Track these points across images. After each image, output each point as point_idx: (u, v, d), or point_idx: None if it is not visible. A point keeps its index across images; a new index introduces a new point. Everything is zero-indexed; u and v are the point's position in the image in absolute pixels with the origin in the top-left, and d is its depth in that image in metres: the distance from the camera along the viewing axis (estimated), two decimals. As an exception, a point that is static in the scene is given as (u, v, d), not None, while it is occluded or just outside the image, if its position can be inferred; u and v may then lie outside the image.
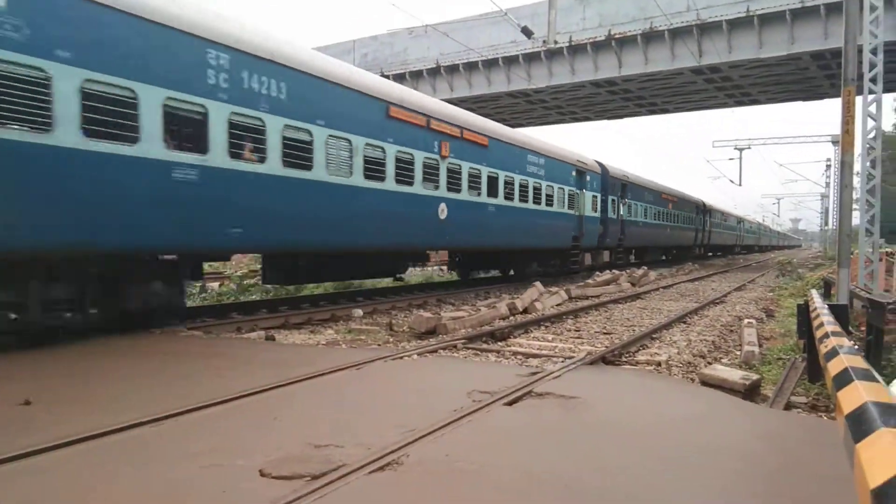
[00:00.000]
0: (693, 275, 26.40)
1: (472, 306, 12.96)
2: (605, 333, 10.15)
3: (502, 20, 23.98)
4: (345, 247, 11.82)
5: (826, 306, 6.05)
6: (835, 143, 44.19)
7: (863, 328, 9.10)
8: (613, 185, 25.47)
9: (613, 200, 25.44)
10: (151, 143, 7.90)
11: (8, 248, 6.70)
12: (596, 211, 23.50)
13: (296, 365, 6.26)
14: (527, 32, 18.83)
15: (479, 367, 7.25)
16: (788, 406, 6.11)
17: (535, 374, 6.19)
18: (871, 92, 12.94)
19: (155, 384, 5.49)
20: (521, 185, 17.74)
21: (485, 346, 8.70)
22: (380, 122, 12.01)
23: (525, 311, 12.48)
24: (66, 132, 6.98)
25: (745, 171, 59.15)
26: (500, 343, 9.04)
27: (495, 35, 30.32)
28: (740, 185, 58.06)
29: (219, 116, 8.79)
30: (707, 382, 6.55)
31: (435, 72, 32.92)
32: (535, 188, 18.62)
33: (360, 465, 3.56)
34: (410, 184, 13.01)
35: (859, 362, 2.75)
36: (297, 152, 10.19)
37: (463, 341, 8.71)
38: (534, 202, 18.61)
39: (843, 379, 2.53)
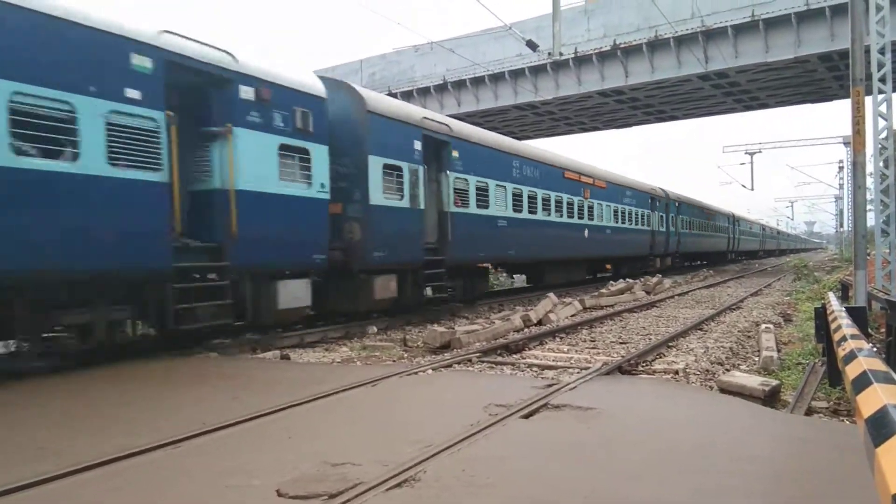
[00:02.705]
0: (708, 281, 26.19)
1: (486, 319, 12.92)
2: (620, 343, 10.07)
3: (507, 34, 24.10)
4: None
5: (844, 309, 5.99)
6: (846, 144, 43.81)
7: (882, 330, 8.98)
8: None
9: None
10: None
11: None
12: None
13: (311, 383, 6.26)
14: (532, 46, 18.90)
15: (495, 380, 7.22)
16: (810, 411, 6.02)
17: (550, 385, 6.15)
18: (880, 92, 12.85)
19: (169, 407, 5.51)
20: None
21: (500, 358, 8.66)
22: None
23: (539, 322, 12.42)
24: None
25: (757, 175, 59.01)
26: (515, 355, 9.00)
27: (501, 49, 30.45)
28: (752, 189, 57.72)
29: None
30: (726, 389, 6.47)
31: (442, 88, 33.09)
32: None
33: (376, 482, 3.54)
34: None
35: (878, 365, 2.72)
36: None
37: (478, 355, 8.68)
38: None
39: (862, 382, 2.50)
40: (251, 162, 9.02)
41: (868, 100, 11.23)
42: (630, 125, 39.98)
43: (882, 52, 12.84)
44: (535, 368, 7.94)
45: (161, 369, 7.43)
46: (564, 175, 20.09)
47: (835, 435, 4.90)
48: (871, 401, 2.16)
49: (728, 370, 7.87)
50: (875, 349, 3.63)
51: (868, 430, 1.95)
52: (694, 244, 37.27)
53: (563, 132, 41.48)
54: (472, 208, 14.78)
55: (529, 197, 17.43)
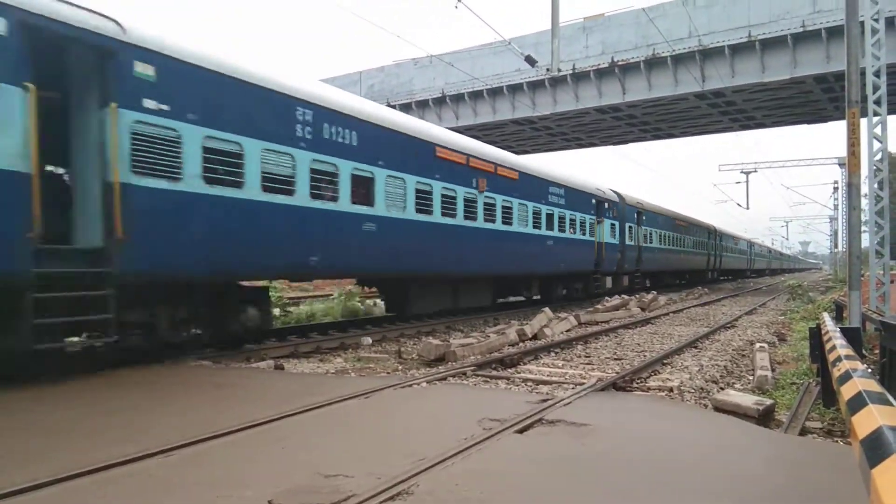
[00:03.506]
0: (703, 299, 26.24)
1: (480, 333, 12.90)
2: (615, 359, 10.07)
3: (506, 49, 24.27)
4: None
5: (838, 329, 6.00)
6: (841, 165, 44.14)
7: (876, 351, 8.99)
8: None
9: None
10: None
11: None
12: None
13: (304, 394, 6.23)
14: (530, 61, 19.03)
15: (489, 394, 7.20)
16: (804, 431, 6.03)
17: (545, 401, 6.14)
18: (875, 114, 12.98)
19: (162, 415, 5.47)
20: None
21: (494, 372, 8.64)
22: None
23: (534, 337, 12.41)
24: None
25: (753, 195, 59.12)
26: (509, 370, 8.98)
27: (499, 64, 30.66)
28: (748, 208, 58.01)
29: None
30: (720, 408, 6.47)
31: (440, 101, 33.27)
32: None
33: (369, 495, 3.52)
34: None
35: (873, 386, 2.73)
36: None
37: (472, 368, 8.66)
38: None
39: (858, 403, 2.50)
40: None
41: (863, 122, 11.34)
42: (627, 142, 40.21)
43: (877, 74, 12.99)
44: (529, 383, 7.93)
45: (153, 378, 7.39)
46: (437, 153, 13.97)
47: (829, 455, 4.90)
48: (867, 422, 2.17)
49: (723, 388, 7.87)
50: (869, 370, 3.64)
51: (864, 451, 1.95)
52: (662, 261, 31.80)
53: (560, 147, 41.70)
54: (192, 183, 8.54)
55: (357, 177, 11.39)
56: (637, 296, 21.75)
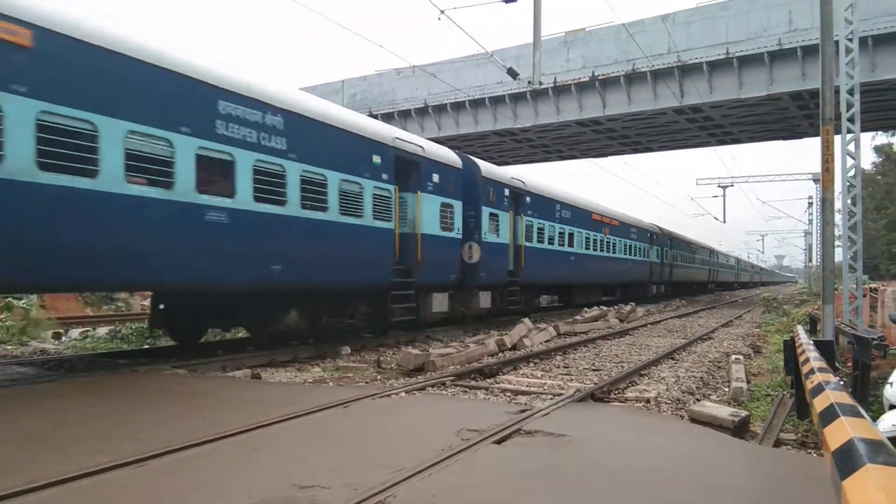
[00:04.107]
0: (681, 311, 26.48)
1: (460, 343, 12.88)
2: (593, 370, 10.11)
3: (488, 62, 24.40)
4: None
5: (812, 342, 6.08)
6: (816, 180, 44.96)
7: (849, 364, 9.13)
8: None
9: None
10: None
11: None
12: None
13: (281, 404, 6.17)
14: (512, 74, 19.16)
15: (468, 404, 7.19)
16: (778, 443, 6.09)
17: (523, 411, 6.14)
18: (849, 131, 13.24)
19: (135, 424, 5.38)
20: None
21: (473, 382, 8.63)
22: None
23: (514, 347, 12.43)
24: None
25: (729, 209, 59.80)
26: (488, 380, 8.98)
27: (482, 76, 30.83)
28: (724, 222, 58.71)
29: None
30: (696, 419, 6.52)
31: (423, 111, 33.33)
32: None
33: (345, 506, 3.48)
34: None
35: (845, 398, 2.76)
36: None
37: (451, 378, 8.64)
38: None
39: (830, 415, 2.53)
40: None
41: (837, 139, 11.57)
42: (606, 155, 40.56)
43: (851, 92, 13.27)
44: (508, 393, 7.93)
45: (128, 386, 7.27)
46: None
47: (803, 467, 4.95)
48: (838, 434, 2.20)
49: (699, 400, 7.93)
50: (842, 383, 3.69)
51: (835, 463, 1.97)
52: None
53: (540, 159, 41.95)
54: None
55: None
56: (616, 307, 21.88)
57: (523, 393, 7.89)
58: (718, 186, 55.51)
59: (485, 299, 16.77)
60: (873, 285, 19.75)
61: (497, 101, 31.31)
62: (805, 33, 24.06)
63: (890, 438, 2.35)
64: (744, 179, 55.80)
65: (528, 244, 18.87)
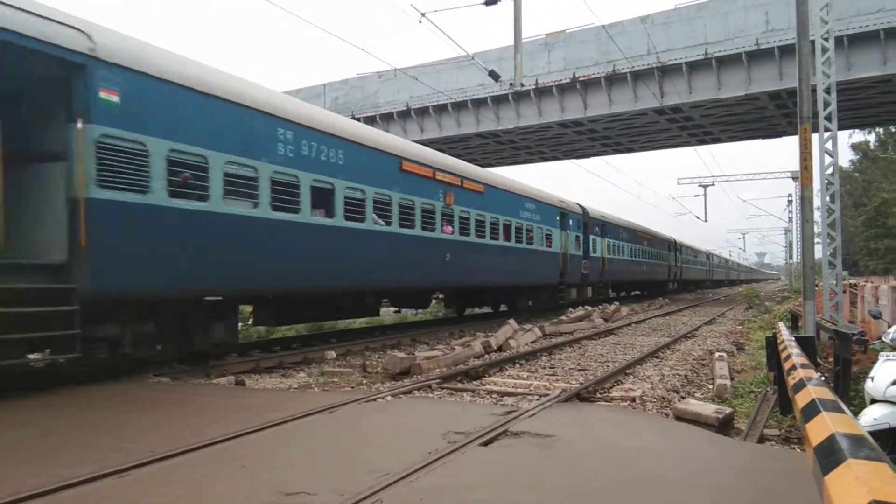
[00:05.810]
0: (664, 309, 26.69)
1: (446, 345, 12.88)
2: (579, 370, 10.15)
3: (470, 64, 24.46)
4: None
5: (793, 339, 6.15)
6: (795, 179, 45.54)
7: (830, 359, 9.24)
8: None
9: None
10: None
11: None
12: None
13: (266, 410, 6.12)
14: (494, 76, 19.23)
15: (454, 406, 7.18)
16: (762, 439, 6.16)
17: (510, 412, 6.14)
18: (826, 129, 13.42)
19: (120, 434, 5.31)
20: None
21: (460, 385, 8.63)
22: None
23: (499, 349, 12.44)
24: None
25: (710, 207, 60.44)
26: (475, 382, 8.98)
27: (464, 78, 30.88)
28: (706, 220, 59.33)
29: None
30: (681, 417, 6.57)
31: (405, 114, 33.31)
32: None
33: (332, 512, 3.46)
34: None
35: (826, 394, 2.79)
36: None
37: (438, 381, 8.63)
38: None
39: (811, 411, 2.56)
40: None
41: (815, 137, 11.72)
42: (589, 156, 40.81)
43: (828, 91, 13.44)
44: (494, 395, 7.94)
45: (112, 395, 7.17)
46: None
47: (786, 462, 5.00)
48: (820, 429, 2.22)
49: (683, 398, 8.00)
50: (823, 378, 3.73)
51: (817, 459, 1.99)
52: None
53: (523, 160, 42.10)
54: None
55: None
56: (600, 307, 22.01)
57: (509, 394, 7.91)
58: (699, 185, 56.13)
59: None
60: (853, 281, 20.04)
61: (479, 103, 31.39)
62: (782, 33, 24.39)
63: (871, 433, 2.38)
64: (724, 178, 56.46)
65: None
